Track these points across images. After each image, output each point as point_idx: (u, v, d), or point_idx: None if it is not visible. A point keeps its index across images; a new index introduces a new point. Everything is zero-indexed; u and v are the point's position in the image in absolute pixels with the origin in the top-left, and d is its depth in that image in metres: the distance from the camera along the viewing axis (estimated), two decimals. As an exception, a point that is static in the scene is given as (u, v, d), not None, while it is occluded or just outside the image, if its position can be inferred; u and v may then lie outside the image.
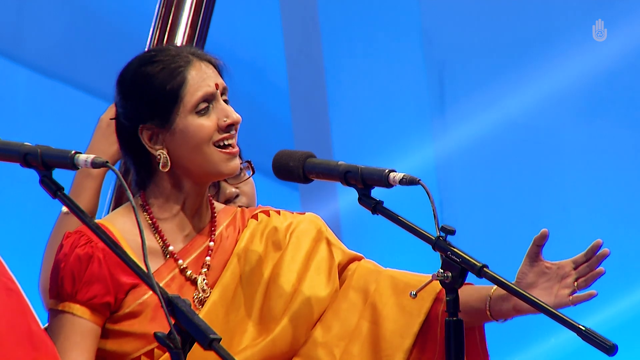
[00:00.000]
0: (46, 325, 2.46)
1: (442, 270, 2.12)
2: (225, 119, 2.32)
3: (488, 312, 2.34)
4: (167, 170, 2.32)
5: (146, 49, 2.86)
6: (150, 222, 2.34)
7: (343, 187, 2.27)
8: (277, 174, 2.36)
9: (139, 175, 2.37)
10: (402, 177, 2.18)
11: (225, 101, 2.36)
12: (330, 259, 2.42)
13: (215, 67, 2.38)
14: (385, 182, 2.19)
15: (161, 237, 2.33)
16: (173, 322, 1.86)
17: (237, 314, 2.33)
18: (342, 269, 2.45)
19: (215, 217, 2.40)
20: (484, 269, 2.10)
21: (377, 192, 2.24)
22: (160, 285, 2.28)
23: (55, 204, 2.07)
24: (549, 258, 2.37)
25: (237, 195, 2.83)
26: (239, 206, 2.76)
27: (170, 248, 2.33)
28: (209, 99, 2.33)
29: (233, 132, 2.33)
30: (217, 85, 2.34)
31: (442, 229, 2.12)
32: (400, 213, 2.19)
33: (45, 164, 2.00)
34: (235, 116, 2.33)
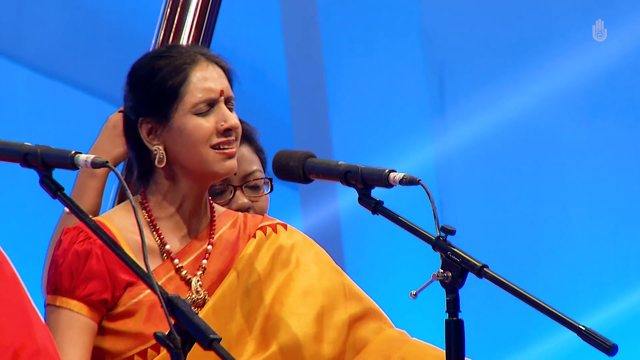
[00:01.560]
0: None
1: (442, 270, 2.12)
2: (222, 123, 2.32)
3: None
4: (162, 166, 2.32)
5: (151, 49, 2.86)
6: (148, 220, 2.34)
7: (343, 187, 2.27)
8: (277, 174, 2.36)
9: (140, 172, 2.37)
10: (402, 177, 2.18)
11: (229, 109, 2.35)
12: (342, 313, 2.40)
13: (224, 70, 2.38)
14: (385, 182, 2.19)
15: (159, 236, 2.33)
16: (173, 322, 1.86)
17: (236, 325, 2.32)
18: (355, 320, 2.42)
19: (214, 220, 2.39)
20: (484, 269, 2.10)
21: (377, 192, 2.24)
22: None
23: (57, 204, 2.07)
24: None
25: (248, 208, 2.82)
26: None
27: (167, 247, 2.33)
28: (211, 102, 2.33)
29: (232, 137, 2.33)
30: (221, 92, 2.34)
31: (442, 229, 2.12)
32: (400, 213, 2.19)
33: (45, 164, 2.00)
34: (234, 121, 2.33)
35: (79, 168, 1.98)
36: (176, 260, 2.32)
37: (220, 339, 1.84)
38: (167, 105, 2.31)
